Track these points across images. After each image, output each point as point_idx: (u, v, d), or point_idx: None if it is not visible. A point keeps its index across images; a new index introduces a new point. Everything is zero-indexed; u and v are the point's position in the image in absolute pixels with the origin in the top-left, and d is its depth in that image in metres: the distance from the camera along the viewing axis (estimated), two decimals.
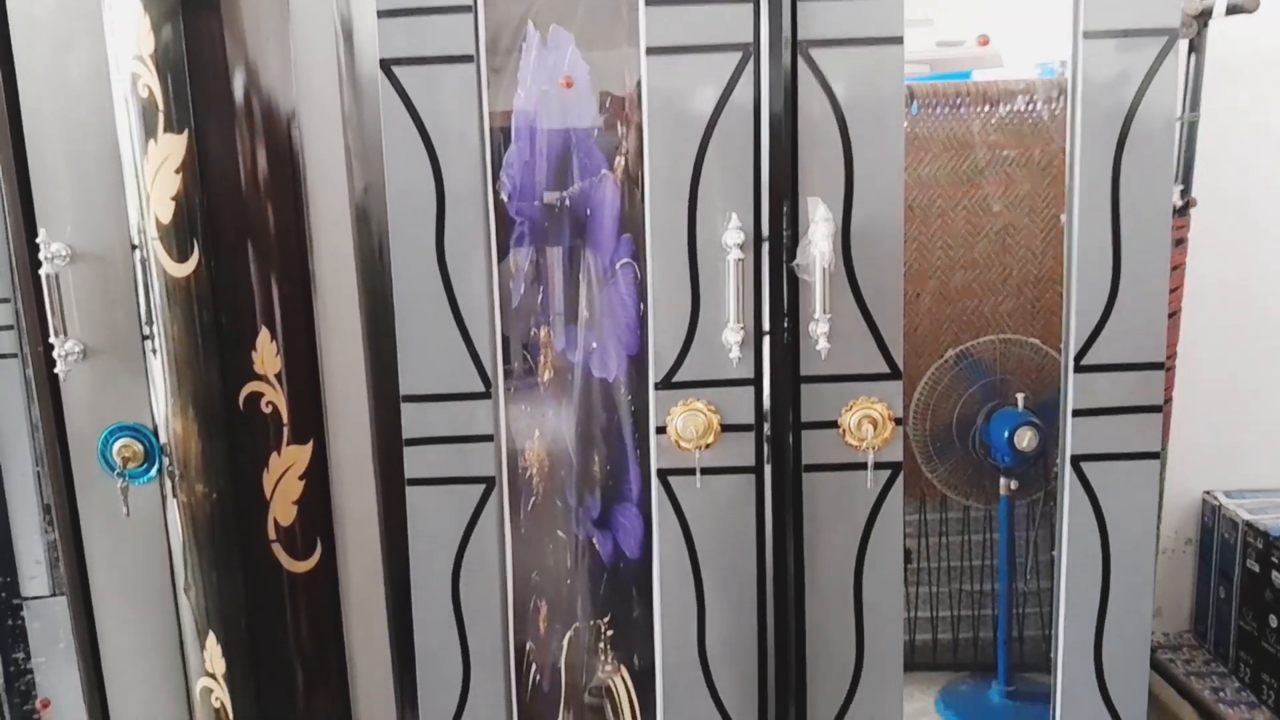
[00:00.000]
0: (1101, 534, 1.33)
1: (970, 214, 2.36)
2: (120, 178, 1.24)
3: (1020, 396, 2.10)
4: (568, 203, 1.26)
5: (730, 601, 1.32)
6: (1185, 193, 2.52)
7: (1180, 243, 2.58)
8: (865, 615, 1.35)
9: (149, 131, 1.20)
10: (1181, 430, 2.90)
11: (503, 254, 1.27)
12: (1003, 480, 2.13)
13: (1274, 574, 2.70)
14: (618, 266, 1.28)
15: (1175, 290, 2.44)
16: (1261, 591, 2.76)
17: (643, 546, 1.32)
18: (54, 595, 1.51)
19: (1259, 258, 3.01)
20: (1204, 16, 1.99)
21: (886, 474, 1.32)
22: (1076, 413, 1.31)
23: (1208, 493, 3.06)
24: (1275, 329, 3.05)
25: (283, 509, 1.28)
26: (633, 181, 1.24)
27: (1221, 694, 2.85)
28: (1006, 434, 2.01)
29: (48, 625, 1.43)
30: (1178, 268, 2.65)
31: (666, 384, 1.27)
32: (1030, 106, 2.28)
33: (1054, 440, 2.05)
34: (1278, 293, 3.01)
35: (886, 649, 1.37)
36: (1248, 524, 2.83)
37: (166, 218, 1.21)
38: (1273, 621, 2.72)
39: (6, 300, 1.62)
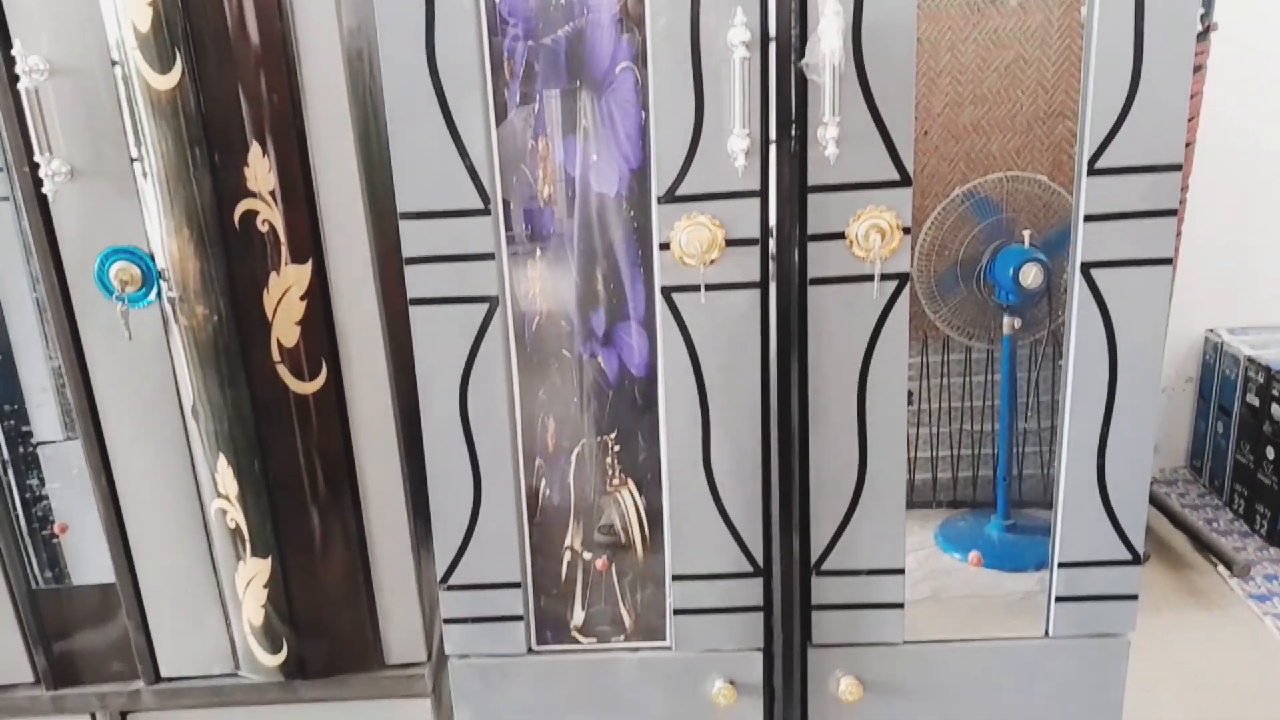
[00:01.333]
0: (1109, 342, 1.32)
1: (980, 47, 2.27)
2: None
3: (1026, 234, 2.07)
4: (563, 4, 1.20)
5: (735, 417, 1.32)
6: (1206, 16, 2.41)
7: (1199, 69, 2.50)
8: (868, 428, 1.36)
9: None
10: (1186, 269, 2.89)
11: (497, 63, 1.21)
12: (1006, 319, 2.12)
13: (1273, 407, 2.73)
14: (617, 71, 1.23)
15: (1191, 120, 2.37)
16: (1260, 425, 2.79)
17: (648, 364, 1.32)
18: (68, 439, 1.52)
19: (1277, 88, 2.92)
20: None
21: (893, 285, 1.30)
22: (1089, 218, 1.28)
23: (1210, 330, 3.07)
24: None
25: (285, 330, 1.27)
26: None
27: (1215, 525, 2.93)
28: (1012, 271, 1.99)
29: (59, 452, 1.44)
30: (1194, 96, 2.56)
31: (670, 198, 1.24)
32: None
33: (1059, 278, 2.03)
34: None
35: (889, 462, 1.38)
36: (1249, 359, 2.85)
37: (144, 25, 1.16)
38: (1269, 453, 2.77)
39: None
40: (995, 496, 2.23)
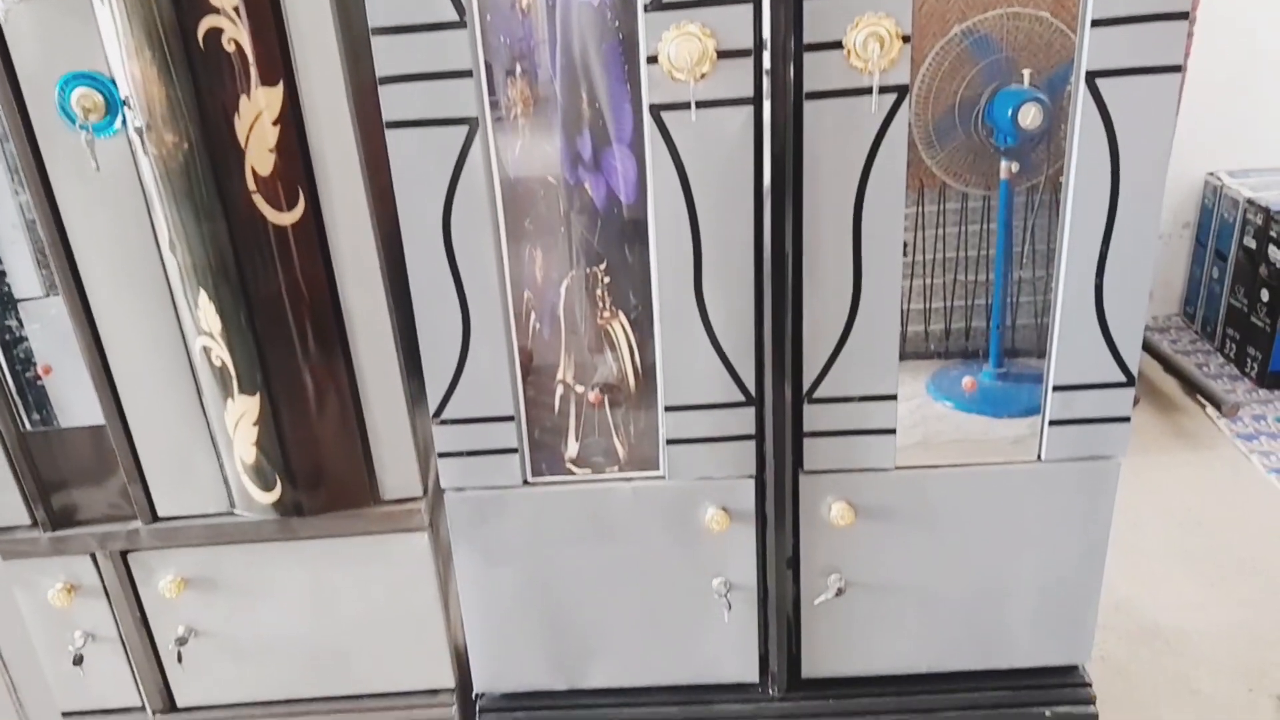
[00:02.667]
0: (1112, 155, 1.28)
1: None
2: None
3: (1026, 74, 2.00)
4: None
5: (727, 242, 1.29)
6: None
7: None
8: (864, 252, 1.33)
9: None
10: (1188, 113, 2.81)
11: None
12: (1004, 164, 2.07)
13: (1270, 249, 2.70)
14: None
15: None
16: (1256, 268, 2.77)
17: (637, 189, 1.28)
18: (47, 296, 1.48)
19: None
20: None
21: (892, 98, 1.25)
22: (1095, 23, 1.22)
23: (1210, 174, 3.01)
24: None
25: (260, 158, 1.22)
26: None
27: (1206, 369, 2.94)
28: (1010, 112, 1.93)
29: (48, 321, 1.41)
30: None
31: (657, 5, 1.18)
32: None
33: (1059, 119, 1.97)
34: None
35: (884, 286, 1.36)
36: (1249, 201, 2.81)
37: None
38: (1264, 296, 2.75)
39: None
40: (989, 347, 2.23)
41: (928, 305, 2.54)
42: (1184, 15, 1.21)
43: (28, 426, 1.42)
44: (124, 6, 1.16)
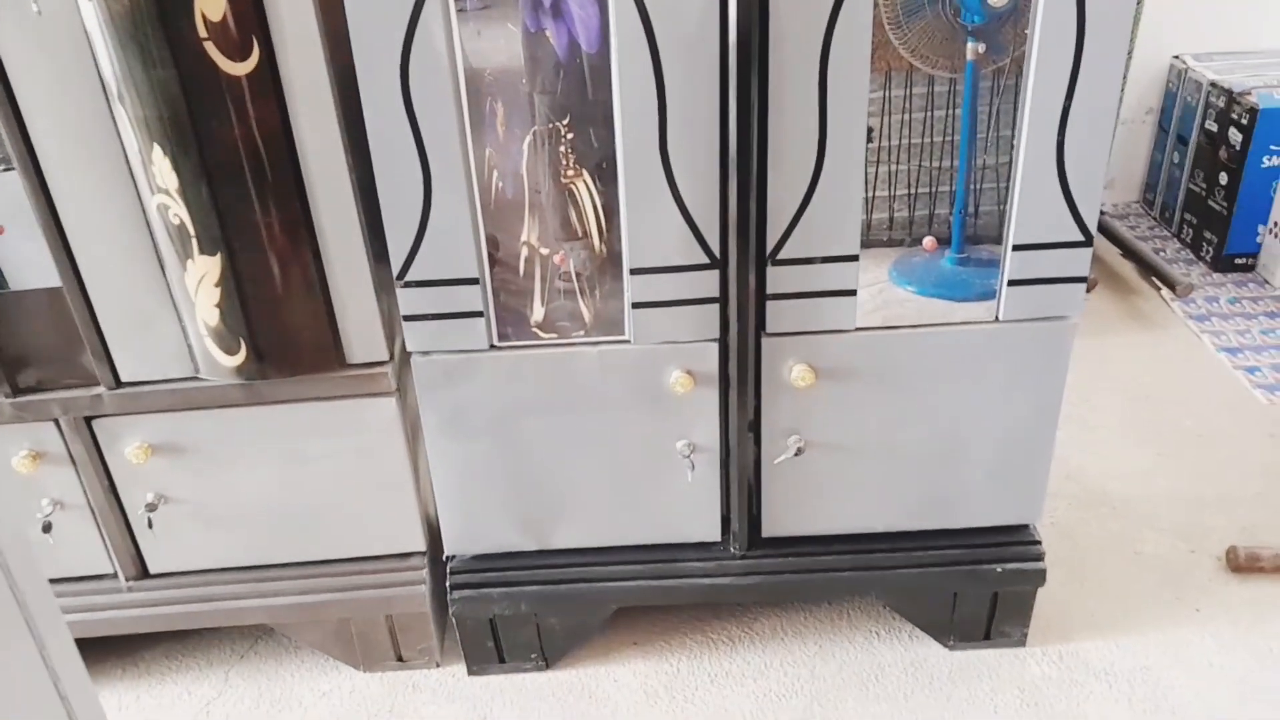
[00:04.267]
0: (1079, 9, 1.27)
1: None
2: None
3: None
4: None
5: (692, 97, 1.28)
6: None
7: None
8: (829, 110, 1.32)
9: None
10: None
11: None
12: (970, 44, 2.05)
13: (1231, 131, 2.72)
14: None
15: None
16: (1216, 150, 2.79)
17: (600, 38, 1.25)
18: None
19: None
20: None
21: None
22: None
23: (1176, 57, 3.00)
24: None
25: (210, 1, 1.18)
26: None
27: (1163, 253, 2.98)
28: None
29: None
30: None
31: None
32: None
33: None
34: None
35: (849, 143, 1.36)
36: (1212, 84, 2.81)
37: None
38: (1222, 179, 2.78)
39: None
40: (951, 234, 2.24)
41: (892, 191, 2.55)
42: None
43: None
44: None
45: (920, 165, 2.50)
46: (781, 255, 1.39)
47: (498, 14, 1.26)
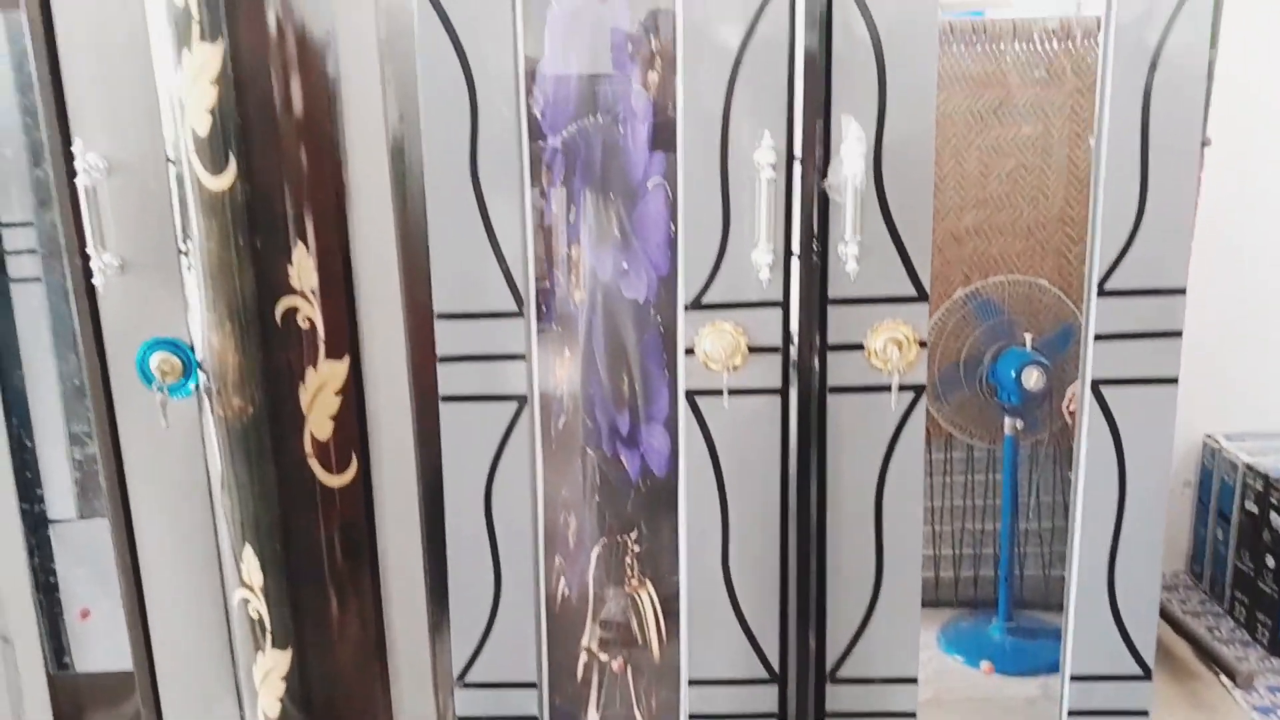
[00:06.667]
0: (1118, 457, 1.35)
1: (983, 154, 2.36)
2: (154, 88, 1.24)
3: (1028, 336, 2.13)
4: (600, 120, 1.27)
5: (754, 521, 1.35)
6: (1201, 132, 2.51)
7: None
8: (885, 537, 1.38)
9: (182, 40, 1.19)
10: (1183, 372, 2.93)
11: (535, 172, 1.27)
12: (1008, 420, 2.17)
13: (1272, 515, 2.75)
14: (649, 185, 1.29)
15: None
16: (1259, 532, 2.81)
17: (669, 465, 1.35)
18: (81, 519, 1.54)
19: (1269, 198, 3.01)
20: None
21: (910, 397, 1.34)
22: (1098, 337, 1.33)
23: (1209, 435, 3.10)
24: None
25: (319, 424, 1.30)
26: (666, 99, 1.24)
27: (1217, 632, 2.91)
28: (1014, 373, 2.04)
29: (78, 539, 1.46)
30: None
31: (696, 305, 1.29)
32: (1047, 44, 2.27)
33: (1060, 381, 2.07)
34: None
35: (905, 570, 1.40)
36: (1248, 466, 2.88)
37: (203, 130, 1.22)
38: (1269, 562, 2.77)
39: (29, 224, 1.63)
40: (997, 596, 2.23)
41: (936, 552, 2.57)
42: (1177, 334, 1.32)
43: (53, 669, 1.43)
44: (212, 283, 1.28)
45: (964, 527, 2.54)
46: (841, 674, 1.40)
47: (576, 442, 1.37)
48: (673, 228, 1.29)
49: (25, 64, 1.43)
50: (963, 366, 2.16)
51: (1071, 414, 1.67)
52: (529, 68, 1.25)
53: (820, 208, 1.27)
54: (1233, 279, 3.08)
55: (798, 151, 1.26)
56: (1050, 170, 2.43)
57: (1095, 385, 1.35)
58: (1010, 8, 2.44)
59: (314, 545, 1.34)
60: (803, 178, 1.27)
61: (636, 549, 1.39)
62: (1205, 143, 2.58)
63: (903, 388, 1.33)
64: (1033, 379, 2.05)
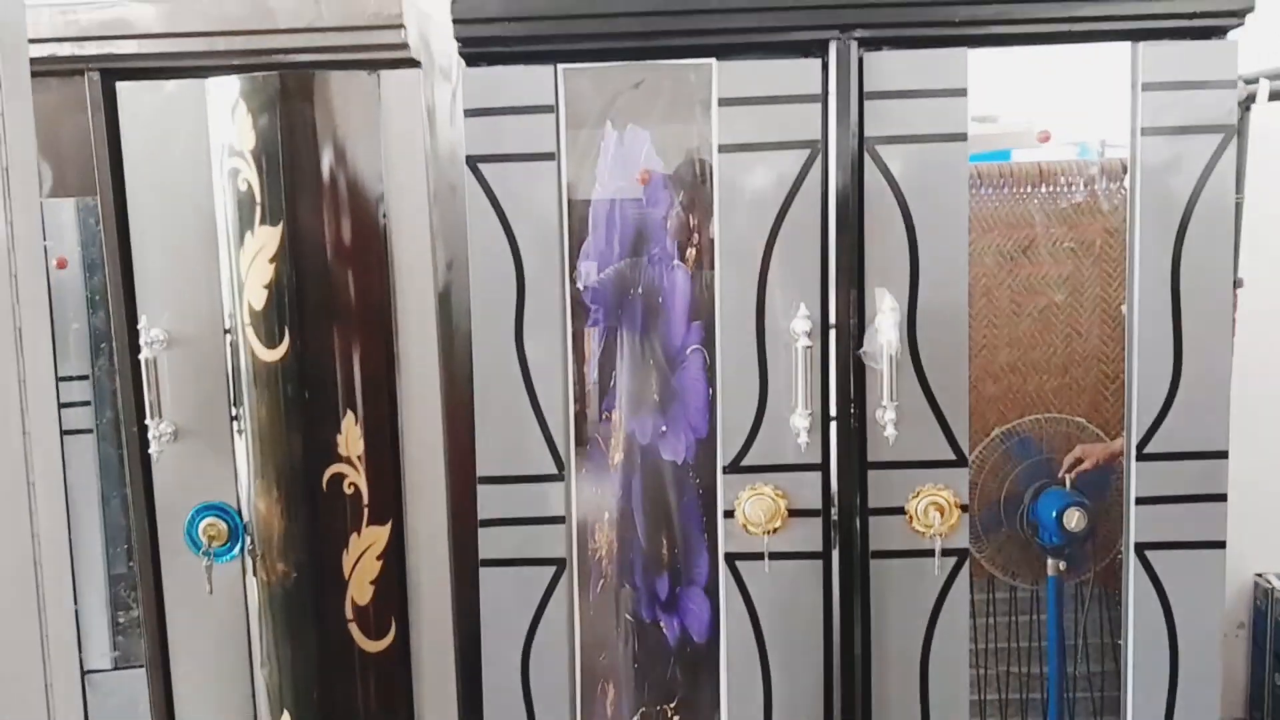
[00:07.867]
0: (1168, 620, 1.33)
1: (1014, 292, 2.38)
2: (216, 265, 1.30)
3: (1068, 476, 2.10)
4: (640, 291, 1.31)
5: (797, 687, 1.33)
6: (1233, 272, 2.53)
7: None
8: (930, 701, 1.35)
9: (246, 224, 1.26)
10: (1232, 513, 2.87)
11: (577, 340, 1.31)
12: (1050, 560, 2.12)
13: None
14: (688, 352, 1.32)
15: None
16: None
17: (710, 630, 1.34)
18: (116, 669, 1.53)
19: None
20: (1247, 102, 2.03)
21: (953, 560, 1.33)
22: (1140, 500, 1.32)
23: (1259, 575, 3.02)
24: None
25: (360, 589, 1.31)
26: (703, 270, 1.28)
27: None
28: (1054, 514, 2.01)
29: (111, 694, 1.45)
30: None
31: (735, 468, 1.30)
32: (1073, 187, 2.32)
33: (1102, 520, 2.04)
34: None
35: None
36: None
37: (259, 304, 1.27)
38: None
39: (84, 377, 1.69)
40: None
41: (982, 696, 2.48)
42: (1222, 497, 1.31)
43: None
44: (260, 450, 1.31)
45: (1010, 670, 2.45)
46: None
47: (615, 605, 1.36)
48: (711, 392, 1.31)
49: (90, 243, 1.48)
50: (1002, 506, 2.13)
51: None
52: (573, 240, 1.29)
53: (856, 373, 1.29)
54: (1275, 417, 3.05)
55: (832, 319, 1.28)
56: (1082, 308, 2.44)
57: (1139, 549, 1.34)
58: (1036, 150, 2.50)
59: (351, 711, 1.33)
60: (838, 343, 1.29)
61: (676, 718, 1.36)
62: (1238, 284, 2.61)
63: (945, 552, 1.32)
64: (1074, 520, 2.02)
